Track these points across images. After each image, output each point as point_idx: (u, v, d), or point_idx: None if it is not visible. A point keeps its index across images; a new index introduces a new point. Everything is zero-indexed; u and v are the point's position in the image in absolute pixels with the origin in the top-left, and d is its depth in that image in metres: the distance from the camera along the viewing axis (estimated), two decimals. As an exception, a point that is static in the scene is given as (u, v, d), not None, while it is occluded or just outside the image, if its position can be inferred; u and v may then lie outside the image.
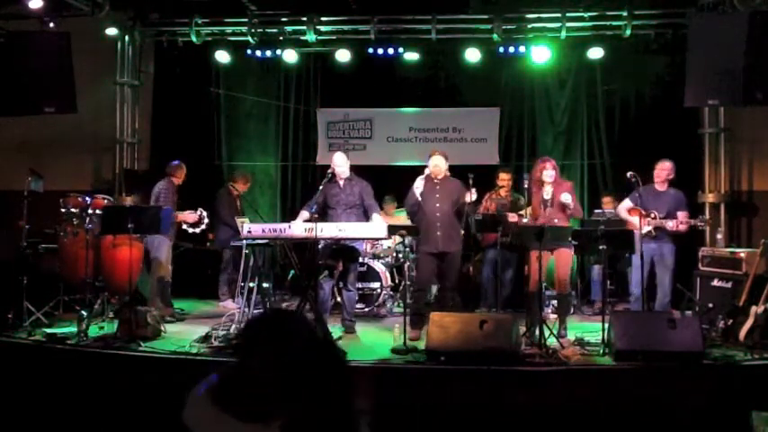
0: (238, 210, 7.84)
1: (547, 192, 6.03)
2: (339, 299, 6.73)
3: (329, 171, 6.32)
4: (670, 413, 4.35)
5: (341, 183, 6.41)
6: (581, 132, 8.66)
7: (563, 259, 5.96)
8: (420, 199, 6.04)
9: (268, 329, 1.86)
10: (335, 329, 6.12)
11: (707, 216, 7.52)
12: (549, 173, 6.03)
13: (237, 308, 6.63)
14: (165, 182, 7.03)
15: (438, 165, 6.12)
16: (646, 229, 6.14)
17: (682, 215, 6.25)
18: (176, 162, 7.23)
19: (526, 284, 6.14)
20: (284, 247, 7.69)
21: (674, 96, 7.25)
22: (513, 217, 6.50)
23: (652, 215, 6.22)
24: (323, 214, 6.34)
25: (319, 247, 5.99)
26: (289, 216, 8.66)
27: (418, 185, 6.04)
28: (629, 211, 6.37)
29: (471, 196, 5.99)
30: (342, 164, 6.40)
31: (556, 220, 5.94)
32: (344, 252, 6.27)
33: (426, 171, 6.17)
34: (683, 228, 6.23)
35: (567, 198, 5.83)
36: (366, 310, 7.26)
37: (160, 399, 4.24)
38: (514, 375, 4.76)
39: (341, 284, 6.50)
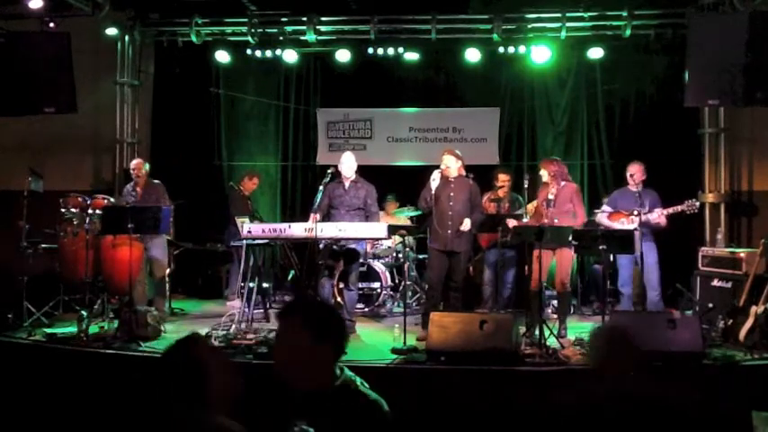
0: (249, 209, 7.83)
1: (551, 192, 6.05)
2: (339, 299, 6.72)
3: (329, 171, 6.31)
4: (670, 413, 4.34)
5: (346, 184, 6.40)
6: (581, 132, 8.66)
7: (564, 259, 5.98)
8: (433, 192, 6.05)
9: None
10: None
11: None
12: (542, 172, 6.14)
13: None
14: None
15: (447, 164, 6.13)
16: (632, 226, 6.19)
17: (659, 210, 6.29)
18: None
19: (528, 284, 6.14)
20: (284, 247, 7.71)
21: (674, 96, 7.26)
22: (510, 222, 6.51)
23: (635, 212, 6.24)
24: (326, 214, 6.34)
25: (320, 247, 5.99)
26: (289, 216, 8.69)
27: (435, 177, 6.05)
28: (610, 216, 6.41)
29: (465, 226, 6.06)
30: (349, 163, 6.40)
31: (556, 220, 5.97)
32: (345, 253, 6.28)
33: (439, 170, 6.18)
34: (663, 221, 6.25)
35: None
36: (366, 310, 7.26)
37: (160, 399, 4.24)
38: (514, 375, 4.75)
39: (341, 285, 6.50)
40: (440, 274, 6.16)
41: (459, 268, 6.20)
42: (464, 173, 6.26)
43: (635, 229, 6.07)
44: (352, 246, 6.29)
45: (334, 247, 6.19)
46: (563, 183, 6.12)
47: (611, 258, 6.63)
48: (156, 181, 7.17)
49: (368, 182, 6.53)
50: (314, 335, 1.98)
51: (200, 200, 8.39)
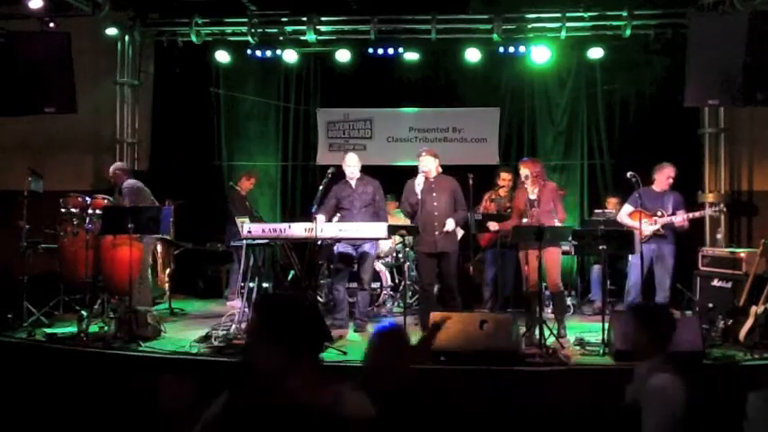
0: (248, 208, 7.84)
1: (532, 192, 6.04)
2: (352, 299, 6.71)
3: (329, 171, 6.31)
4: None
5: (353, 183, 6.41)
6: (581, 132, 8.66)
7: (551, 259, 5.95)
8: (420, 197, 6.03)
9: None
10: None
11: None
12: (522, 172, 6.11)
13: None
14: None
15: (427, 167, 6.09)
16: (654, 227, 6.20)
17: (683, 212, 6.33)
18: None
19: (524, 284, 6.14)
20: (284, 247, 7.70)
21: (674, 96, 7.25)
22: (493, 225, 6.52)
23: (659, 213, 6.26)
24: (333, 215, 6.33)
25: (333, 249, 5.97)
26: (289, 216, 8.68)
27: (419, 182, 6.03)
28: (631, 215, 6.38)
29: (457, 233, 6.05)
30: (355, 164, 6.42)
31: (542, 219, 5.95)
32: (360, 256, 6.30)
33: (421, 173, 6.11)
34: (687, 224, 6.31)
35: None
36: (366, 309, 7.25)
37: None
38: (514, 375, 4.75)
39: (355, 285, 6.51)
40: (431, 277, 6.15)
41: (451, 269, 6.13)
42: (440, 170, 6.22)
43: (657, 230, 6.20)
44: (366, 249, 6.29)
45: (350, 250, 6.20)
46: (543, 182, 6.12)
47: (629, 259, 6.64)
48: (129, 182, 7.03)
49: (372, 178, 6.54)
50: (264, 333, 1.94)
51: (200, 200, 8.40)
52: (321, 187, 6.24)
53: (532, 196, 6.03)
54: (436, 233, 6.01)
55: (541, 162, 6.36)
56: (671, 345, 3.02)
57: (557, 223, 5.95)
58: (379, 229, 5.85)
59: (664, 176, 6.43)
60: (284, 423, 1.84)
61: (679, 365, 2.88)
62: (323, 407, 1.87)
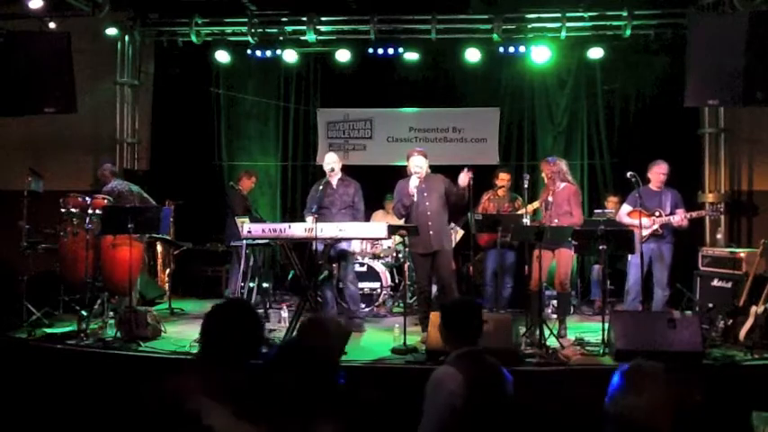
0: (249, 208, 7.84)
1: (551, 193, 6.05)
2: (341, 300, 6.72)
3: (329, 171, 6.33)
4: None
5: (333, 182, 6.41)
6: (581, 132, 8.66)
7: (563, 259, 5.97)
8: (416, 199, 6.02)
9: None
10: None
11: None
12: (543, 174, 6.14)
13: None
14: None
15: (420, 165, 6.06)
16: (653, 227, 6.19)
17: (681, 211, 6.32)
18: None
19: (527, 284, 6.13)
20: (284, 247, 7.72)
21: (674, 96, 7.26)
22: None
23: (657, 213, 6.27)
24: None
25: (314, 249, 5.99)
26: (289, 216, 8.69)
27: (414, 184, 6.01)
28: (630, 214, 6.38)
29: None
30: (334, 162, 6.41)
31: (556, 221, 5.97)
32: (338, 255, 6.30)
33: (414, 173, 6.07)
34: (685, 223, 6.31)
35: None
36: (366, 310, 7.26)
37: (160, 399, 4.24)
38: (514, 375, 4.74)
39: (341, 285, 6.50)
40: (428, 276, 6.16)
41: (447, 266, 6.12)
42: (429, 170, 6.19)
43: (655, 230, 6.21)
44: (343, 246, 6.30)
45: (330, 250, 6.21)
46: (562, 184, 6.09)
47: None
48: (109, 186, 7.06)
49: (355, 180, 6.53)
50: None
51: (200, 200, 8.40)
52: (321, 187, 6.24)
53: (550, 198, 6.04)
54: (430, 233, 6.01)
55: (560, 161, 6.24)
56: (473, 342, 3.16)
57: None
58: (379, 229, 5.85)
59: (656, 174, 6.43)
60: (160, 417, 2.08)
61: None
62: (191, 413, 2.03)
